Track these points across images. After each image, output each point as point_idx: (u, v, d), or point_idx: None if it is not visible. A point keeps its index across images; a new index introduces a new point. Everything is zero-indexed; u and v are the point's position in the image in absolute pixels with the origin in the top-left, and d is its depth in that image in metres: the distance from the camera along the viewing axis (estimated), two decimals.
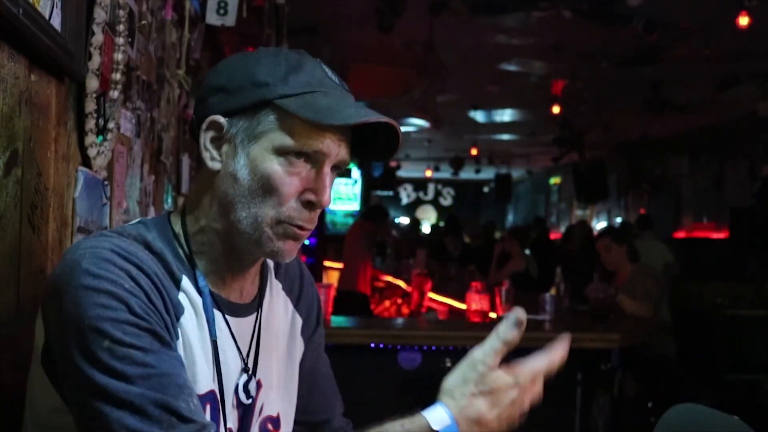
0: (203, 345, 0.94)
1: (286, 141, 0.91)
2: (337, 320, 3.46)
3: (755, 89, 6.48)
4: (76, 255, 0.86)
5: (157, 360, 0.83)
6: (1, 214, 1.00)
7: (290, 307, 1.13)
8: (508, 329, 0.92)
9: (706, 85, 6.57)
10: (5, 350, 1.03)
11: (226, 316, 0.98)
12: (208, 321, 0.95)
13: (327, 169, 0.94)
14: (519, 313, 0.90)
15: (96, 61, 1.32)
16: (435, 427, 0.87)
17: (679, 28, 5.17)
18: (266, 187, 0.92)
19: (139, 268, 0.87)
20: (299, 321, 1.13)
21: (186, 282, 0.94)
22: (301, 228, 0.95)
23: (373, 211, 6.39)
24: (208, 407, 0.94)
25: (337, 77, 0.97)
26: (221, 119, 0.94)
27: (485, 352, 0.91)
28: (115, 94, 1.47)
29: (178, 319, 0.91)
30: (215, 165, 0.95)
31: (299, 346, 1.13)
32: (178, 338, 0.90)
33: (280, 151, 0.92)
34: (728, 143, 8.62)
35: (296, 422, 1.13)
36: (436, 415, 0.89)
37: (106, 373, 0.80)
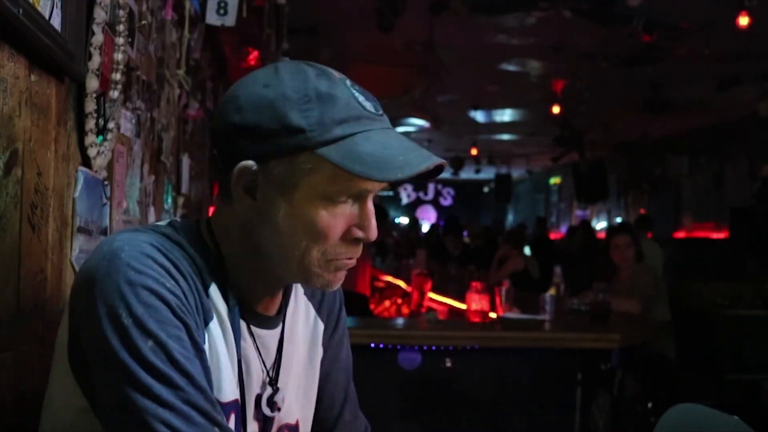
0: (229, 354, 0.92)
1: (332, 187, 0.87)
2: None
3: (755, 89, 6.48)
4: (114, 246, 0.83)
5: (194, 367, 0.81)
6: (1, 214, 1.00)
7: (312, 312, 1.10)
8: None
9: (706, 85, 6.57)
10: (5, 350, 1.03)
11: (252, 327, 0.96)
12: (234, 331, 0.93)
13: (370, 203, 0.91)
14: None
15: (96, 61, 1.32)
16: None
17: (679, 28, 5.17)
18: (312, 234, 0.89)
19: (176, 266, 0.85)
20: (321, 326, 1.11)
21: (214, 289, 0.92)
22: (349, 259, 0.93)
23: None
24: (232, 416, 0.92)
25: (370, 101, 0.91)
26: (254, 167, 0.87)
27: None
28: (115, 94, 1.47)
29: (206, 324, 0.89)
30: (251, 213, 0.91)
31: (319, 352, 1.10)
32: (205, 343, 0.88)
33: (324, 197, 0.88)
34: (728, 143, 8.62)
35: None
36: None
37: (150, 373, 0.78)
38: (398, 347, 3.14)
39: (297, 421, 1.05)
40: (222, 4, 2.43)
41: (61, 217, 1.26)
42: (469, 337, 3.22)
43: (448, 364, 3.17)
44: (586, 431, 3.23)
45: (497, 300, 3.52)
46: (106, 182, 1.49)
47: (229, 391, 0.91)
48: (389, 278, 6.99)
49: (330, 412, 1.13)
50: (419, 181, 1.10)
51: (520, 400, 3.20)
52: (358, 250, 0.93)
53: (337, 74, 0.91)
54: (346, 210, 0.89)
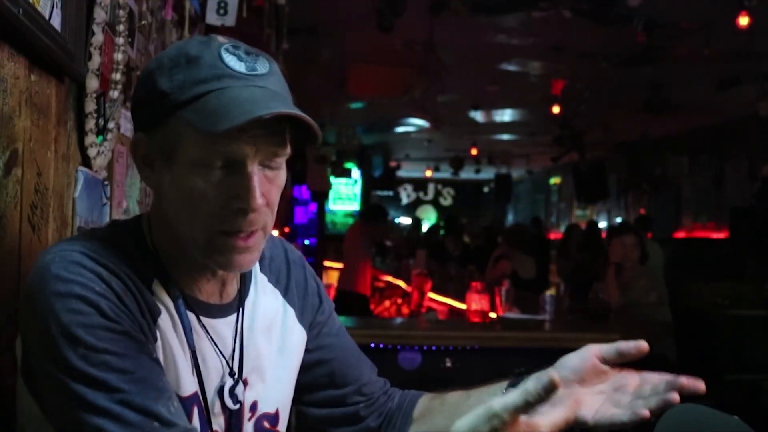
0: (182, 348, 0.92)
1: (197, 152, 0.85)
2: (330, 314, 3.46)
3: (755, 89, 6.48)
4: (46, 260, 0.84)
5: (134, 364, 0.80)
6: (1, 214, 1.00)
7: (279, 298, 1.08)
8: (537, 390, 0.74)
9: (706, 85, 6.57)
10: (5, 350, 1.03)
11: (202, 319, 0.95)
12: (183, 325, 0.92)
13: (249, 170, 0.86)
14: (555, 375, 0.74)
15: (96, 61, 1.32)
16: None
17: (679, 28, 5.17)
18: (192, 205, 0.87)
19: (110, 270, 0.85)
20: (291, 311, 1.09)
21: (157, 285, 0.91)
22: (242, 235, 0.88)
23: (371, 211, 6.38)
24: (195, 409, 0.92)
25: (246, 61, 0.87)
26: (141, 137, 0.90)
27: (505, 406, 0.76)
28: (115, 94, 1.47)
29: (155, 320, 0.89)
30: (152, 183, 0.92)
31: (297, 335, 1.09)
32: (156, 340, 0.88)
33: (196, 164, 0.86)
34: (728, 143, 8.62)
35: (324, 403, 1.11)
36: None
37: (81, 381, 0.78)
38: (398, 347, 3.14)
39: (276, 410, 1.04)
40: (222, 4, 2.43)
41: (61, 217, 1.26)
42: (469, 337, 3.22)
43: (448, 364, 3.17)
44: (586, 431, 3.23)
45: (497, 300, 3.52)
46: (106, 182, 1.49)
47: (187, 385, 0.91)
48: (389, 278, 6.99)
49: (349, 371, 1.14)
50: (308, 141, 1.00)
51: None
52: (251, 222, 0.87)
53: (222, 39, 0.89)
54: (222, 178, 0.86)
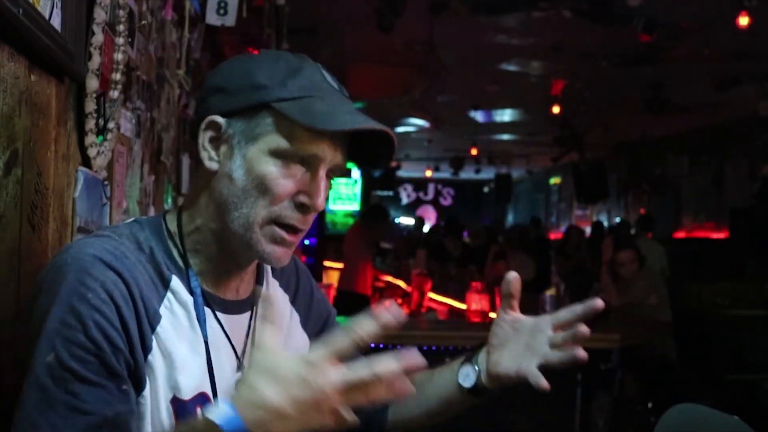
0: (194, 345, 0.94)
1: (282, 144, 0.91)
2: (337, 320, 3.46)
3: (755, 89, 6.48)
4: (61, 260, 0.87)
5: (89, 393, 0.82)
6: (1, 214, 1.00)
7: (287, 304, 1.13)
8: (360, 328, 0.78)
9: (706, 85, 6.57)
10: (5, 350, 1.03)
11: (218, 314, 0.98)
12: (199, 320, 0.95)
13: (322, 173, 0.94)
14: (390, 313, 0.78)
15: (96, 61, 1.32)
16: (215, 420, 0.76)
17: (679, 28, 5.17)
18: (260, 188, 0.92)
19: (119, 275, 0.87)
20: (296, 316, 1.14)
21: (176, 282, 0.95)
22: (293, 230, 0.95)
23: (371, 212, 6.38)
24: (198, 410, 0.93)
25: (336, 82, 0.97)
26: (220, 119, 0.94)
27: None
28: (115, 94, 1.47)
29: (153, 329, 0.91)
30: (212, 165, 0.95)
31: (300, 341, 1.13)
32: (151, 350, 0.90)
33: (276, 154, 0.92)
34: (728, 143, 8.62)
35: None
36: (219, 408, 0.78)
37: (35, 386, 0.81)
38: (398, 347, 3.14)
39: None
40: (222, 4, 2.43)
41: (61, 217, 1.26)
42: (469, 337, 3.22)
43: None
44: (586, 431, 3.23)
45: (497, 300, 3.52)
46: (106, 182, 1.49)
47: (190, 388, 0.93)
48: (389, 278, 6.99)
49: None
50: (374, 166, 1.05)
51: (520, 400, 3.20)
52: (305, 221, 0.95)
53: (312, 60, 0.98)
54: (298, 174, 0.93)
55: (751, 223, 7.36)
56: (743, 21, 4.41)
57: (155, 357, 0.90)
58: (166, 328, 0.92)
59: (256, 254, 0.95)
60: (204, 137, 0.95)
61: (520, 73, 6.89)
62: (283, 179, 0.92)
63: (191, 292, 0.96)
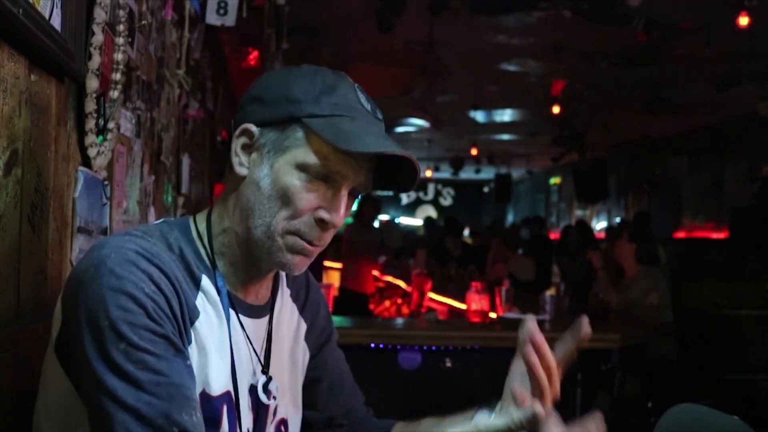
0: (220, 345, 0.97)
1: (309, 159, 0.94)
2: (337, 320, 3.46)
3: (755, 89, 6.48)
4: (102, 253, 0.88)
5: (169, 368, 0.85)
6: (1, 214, 1.00)
7: (296, 313, 1.16)
8: (521, 419, 0.96)
9: (706, 85, 6.57)
10: (5, 350, 1.03)
11: (241, 317, 1.01)
12: (227, 321, 0.98)
13: (344, 191, 0.97)
14: (539, 409, 0.96)
15: (96, 61, 1.32)
16: None
17: (679, 28, 5.17)
18: (283, 199, 0.95)
19: (162, 270, 0.89)
20: (304, 327, 1.17)
21: (206, 281, 0.98)
22: (310, 243, 0.97)
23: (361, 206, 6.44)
24: (224, 408, 0.96)
25: (371, 104, 1.00)
26: (253, 128, 0.97)
27: (488, 428, 0.98)
28: (115, 94, 1.47)
29: (192, 323, 0.94)
30: (242, 170, 0.98)
31: (303, 352, 1.16)
32: (190, 343, 0.93)
33: (302, 168, 0.94)
34: (728, 143, 8.62)
35: (313, 421, 1.17)
36: None
37: (117, 375, 0.82)
38: (398, 347, 3.14)
39: (287, 417, 1.09)
40: (222, 4, 2.43)
41: (61, 217, 1.26)
42: (469, 337, 3.22)
43: (448, 364, 3.17)
44: None
45: (497, 300, 3.52)
46: (106, 182, 1.49)
47: (219, 385, 0.95)
48: (389, 278, 6.99)
49: (345, 395, 1.22)
50: (399, 190, 1.11)
51: None
52: (323, 237, 0.98)
53: (350, 80, 1.00)
54: (320, 190, 0.96)
55: (751, 223, 7.36)
56: (743, 21, 4.41)
57: (193, 350, 0.93)
58: (202, 323, 0.95)
59: (275, 262, 0.98)
60: (237, 143, 0.99)
61: (520, 73, 6.88)
62: (306, 193, 0.95)
63: (218, 292, 0.98)
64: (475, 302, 3.42)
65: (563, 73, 6.68)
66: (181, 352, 0.88)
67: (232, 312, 1.00)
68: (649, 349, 4.13)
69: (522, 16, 5.15)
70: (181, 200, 2.80)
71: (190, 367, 0.89)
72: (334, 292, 5.32)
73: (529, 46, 5.94)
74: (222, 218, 1.01)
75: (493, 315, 3.51)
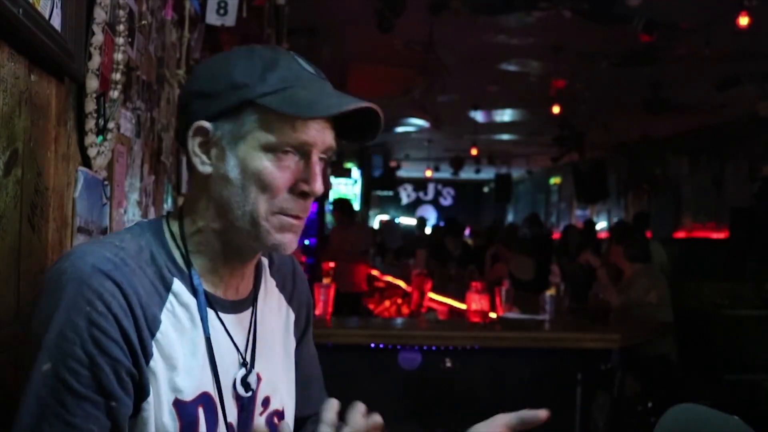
0: (194, 347, 0.96)
1: (271, 138, 0.93)
2: (337, 320, 3.46)
3: (755, 89, 6.48)
4: (61, 268, 0.89)
5: (77, 406, 0.84)
6: (1, 214, 1.00)
7: (284, 303, 1.15)
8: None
9: (706, 85, 6.57)
10: (5, 350, 1.03)
11: (220, 314, 1.00)
12: (201, 320, 0.97)
13: (315, 158, 0.96)
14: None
15: (96, 61, 1.32)
16: None
17: (679, 28, 5.17)
18: (259, 184, 0.94)
19: (118, 285, 0.88)
20: (292, 316, 1.16)
21: (178, 284, 0.96)
22: (296, 217, 0.97)
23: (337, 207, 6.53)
24: (200, 410, 0.95)
25: (313, 67, 0.99)
26: (206, 124, 0.96)
27: None
28: (115, 94, 1.47)
29: (153, 335, 0.92)
30: (206, 169, 0.97)
31: (292, 342, 1.15)
32: (152, 356, 0.91)
33: (267, 148, 0.94)
34: (728, 143, 8.62)
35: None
36: None
37: (33, 395, 0.84)
38: (398, 347, 3.14)
39: (283, 408, 1.09)
40: (222, 4, 2.43)
41: (61, 217, 1.26)
42: (469, 337, 3.22)
43: (448, 365, 3.17)
44: (586, 431, 3.23)
45: (497, 300, 3.52)
46: (106, 182, 1.49)
47: (192, 388, 0.94)
48: (389, 278, 6.99)
49: (316, 396, 1.20)
50: (363, 140, 1.05)
51: (520, 400, 3.20)
52: (306, 208, 0.97)
53: (285, 50, 1.00)
54: (292, 164, 0.95)
55: (751, 223, 7.36)
56: (743, 21, 4.41)
57: (157, 362, 0.92)
58: (166, 332, 0.93)
59: (265, 245, 0.97)
60: (193, 143, 0.97)
61: (520, 73, 6.89)
62: (279, 172, 0.94)
63: (194, 293, 0.97)
64: (475, 302, 3.42)
65: (563, 73, 6.68)
66: (105, 391, 0.86)
67: (210, 311, 0.99)
68: (649, 349, 4.13)
69: (522, 16, 5.16)
70: (181, 200, 2.80)
71: (112, 409, 0.87)
72: (334, 293, 5.31)
73: (529, 46, 5.95)
74: (195, 220, 1.00)
75: (493, 315, 3.51)
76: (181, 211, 1.03)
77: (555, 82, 6.81)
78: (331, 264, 5.82)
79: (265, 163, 0.93)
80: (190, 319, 0.96)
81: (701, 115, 8.17)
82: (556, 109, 7.19)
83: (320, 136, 0.95)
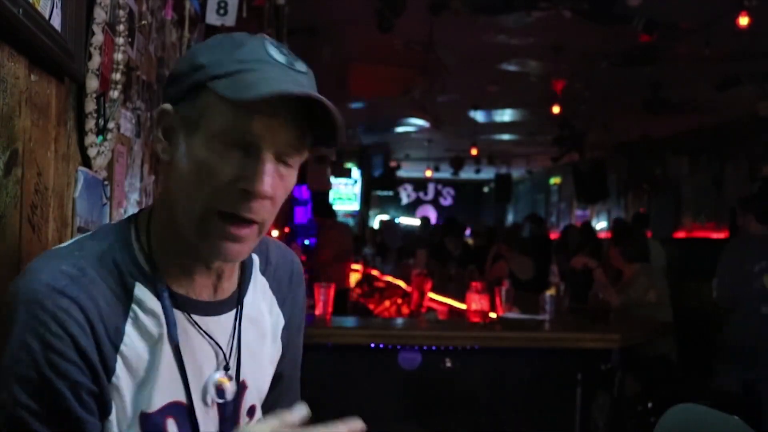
0: (165, 353, 0.91)
1: (219, 126, 0.85)
2: (337, 320, 3.46)
3: (755, 89, 6.48)
4: (17, 286, 0.85)
5: (43, 428, 0.82)
6: (1, 214, 1.00)
7: (275, 306, 1.08)
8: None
9: (706, 85, 6.57)
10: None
11: (194, 317, 0.94)
12: (168, 325, 0.91)
13: (266, 156, 0.86)
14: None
15: (96, 61, 1.32)
16: None
17: (679, 28, 5.17)
18: (199, 175, 0.86)
19: (75, 301, 0.84)
20: (282, 321, 1.09)
21: (140, 289, 0.90)
22: (240, 220, 0.87)
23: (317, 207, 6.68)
24: (169, 420, 0.91)
25: (287, 56, 0.89)
26: (168, 107, 0.90)
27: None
28: (115, 94, 1.47)
29: (117, 348, 0.88)
30: (165, 156, 0.91)
31: (278, 350, 1.09)
32: (114, 372, 0.87)
33: (215, 138, 0.86)
34: (728, 143, 8.62)
35: None
36: None
37: None
38: (398, 347, 3.14)
39: (255, 405, 1.04)
40: (222, 4, 2.43)
41: (61, 217, 1.26)
42: (469, 337, 3.22)
43: (448, 365, 3.17)
44: (586, 431, 3.23)
45: (497, 300, 3.52)
46: (106, 182, 1.49)
47: (158, 398, 0.90)
48: (389, 278, 7.00)
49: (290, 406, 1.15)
50: (326, 143, 0.87)
51: (520, 400, 3.20)
52: (253, 209, 0.87)
53: (266, 36, 0.91)
54: (237, 159, 0.85)
55: None
56: (743, 21, 4.41)
57: (120, 377, 0.88)
58: (130, 344, 0.89)
59: (206, 251, 0.90)
60: (159, 128, 0.91)
61: (520, 73, 6.89)
62: (220, 165, 0.85)
63: (158, 296, 0.91)
64: (475, 302, 3.42)
65: (563, 73, 6.68)
66: (66, 413, 0.83)
67: (180, 314, 0.92)
68: (649, 349, 4.13)
69: (522, 16, 5.15)
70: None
71: (78, 421, 0.84)
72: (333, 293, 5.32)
73: (529, 46, 5.95)
74: (161, 212, 0.93)
75: (493, 315, 3.51)
76: (153, 204, 0.98)
77: (555, 82, 6.81)
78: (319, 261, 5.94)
79: (207, 153, 0.85)
80: (158, 324, 0.90)
81: (701, 115, 8.17)
82: (556, 109, 7.19)
83: (271, 130, 0.85)
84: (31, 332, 0.82)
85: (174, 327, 0.91)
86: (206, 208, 0.87)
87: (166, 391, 0.90)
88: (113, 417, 0.87)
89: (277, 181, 0.88)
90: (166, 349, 0.91)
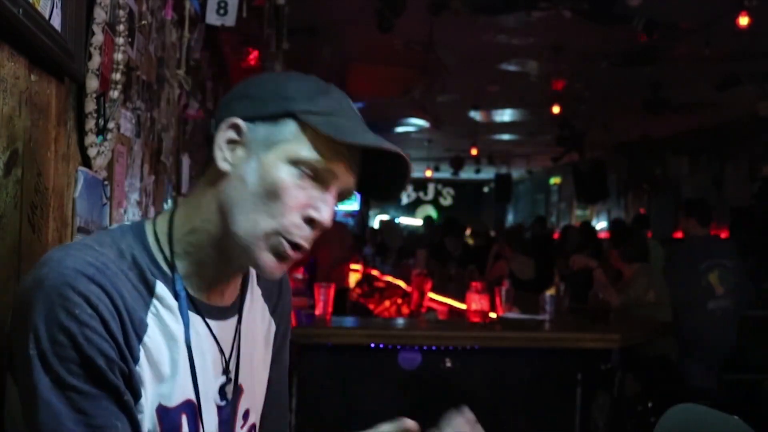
0: (181, 351, 0.93)
1: (302, 154, 0.91)
2: (337, 320, 3.46)
3: (755, 89, 6.48)
4: (41, 273, 0.85)
5: (93, 407, 0.83)
6: (1, 214, 1.00)
7: (267, 313, 1.12)
8: None
9: (706, 85, 6.57)
10: (5, 351, 1.02)
11: (207, 320, 0.98)
12: (184, 325, 0.94)
13: (333, 191, 0.94)
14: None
15: (96, 61, 1.32)
16: None
17: (679, 28, 5.17)
18: (271, 195, 0.91)
19: (103, 288, 0.85)
20: (273, 327, 1.13)
21: (161, 287, 0.93)
22: (295, 246, 0.93)
23: None
24: (184, 418, 0.93)
25: (359, 113, 0.99)
26: (242, 123, 0.94)
27: None
28: (115, 94, 1.47)
29: (140, 339, 0.90)
30: (225, 165, 0.94)
31: (269, 354, 1.13)
32: (138, 360, 0.89)
33: (294, 163, 0.91)
34: (728, 143, 8.62)
35: None
36: None
37: (41, 406, 0.82)
38: (398, 347, 3.14)
39: (256, 423, 1.07)
40: (222, 4, 2.43)
41: (61, 217, 1.26)
42: (469, 337, 3.22)
43: (448, 365, 3.17)
44: (586, 431, 3.23)
45: (497, 300, 3.52)
46: (106, 182, 1.49)
47: (178, 395, 0.93)
48: (389, 278, 6.99)
49: (279, 413, 1.17)
50: (384, 198, 1.01)
51: (520, 400, 3.20)
52: (309, 238, 0.94)
53: (337, 87, 1.00)
54: (310, 188, 0.93)
55: (751, 223, 7.36)
56: (743, 21, 4.41)
57: (143, 367, 0.90)
58: (153, 336, 0.91)
59: (251, 262, 0.94)
60: (222, 137, 0.94)
61: (520, 73, 6.88)
62: (295, 189, 0.91)
63: (176, 297, 0.94)
64: (475, 302, 3.42)
65: (563, 73, 6.68)
66: (113, 387, 0.85)
67: (195, 316, 0.96)
68: (649, 349, 4.13)
69: (522, 16, 5.15)
70: (181, 200, 2.80)
71: (126, 402, 0.86)
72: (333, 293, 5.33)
73: (529, 46, 5.95)
74: (191, 217, 0.96)
75: (493, 315, 3.51)
76: (176, 207, 1.00)
77: (555, 82, 6.81)
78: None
79: (285, 176, 0.91)
80: (176, 322, 0.93)
81: (701, 115, 8.17)
82: (556, 109, 7.19)
83: (345, 172, 0.94)
84: (66, 313, 0.82)
85: (188, 328, 0.94)
86: (270, 225, 0.91)
87: (181, 388, 0.93)
88: (143, 402, 0.90)
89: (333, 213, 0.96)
90: (182, 348, 0.94)
